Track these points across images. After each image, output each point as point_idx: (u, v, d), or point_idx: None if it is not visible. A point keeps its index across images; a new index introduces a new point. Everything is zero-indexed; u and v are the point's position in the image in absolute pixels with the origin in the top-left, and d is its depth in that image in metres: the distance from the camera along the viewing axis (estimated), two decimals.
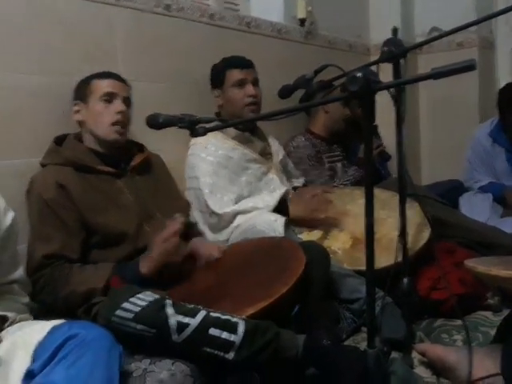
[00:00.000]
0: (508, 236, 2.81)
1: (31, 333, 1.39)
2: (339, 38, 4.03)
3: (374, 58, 2.03)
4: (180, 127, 1.62)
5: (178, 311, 1.59)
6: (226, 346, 1.59)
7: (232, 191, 2.60)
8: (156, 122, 1.69)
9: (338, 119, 3.35)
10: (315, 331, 1.77)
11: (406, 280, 1.99)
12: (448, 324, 2.33)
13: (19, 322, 1.55)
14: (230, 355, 1.59)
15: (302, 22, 3.61)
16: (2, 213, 1.59)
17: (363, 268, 1.43)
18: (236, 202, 2.57)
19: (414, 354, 2.03)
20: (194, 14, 2.88)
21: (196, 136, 1.63)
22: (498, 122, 3.52)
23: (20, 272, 1.71)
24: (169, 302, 1.61)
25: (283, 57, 3.45)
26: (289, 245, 2.09)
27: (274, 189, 2.75)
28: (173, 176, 2.48)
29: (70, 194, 1.97)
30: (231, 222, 2.49)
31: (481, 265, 1.80)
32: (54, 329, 1.38)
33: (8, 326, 1.52)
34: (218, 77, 2.78)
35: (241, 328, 1.60)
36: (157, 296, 1.63)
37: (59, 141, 2.14)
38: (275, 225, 2.32)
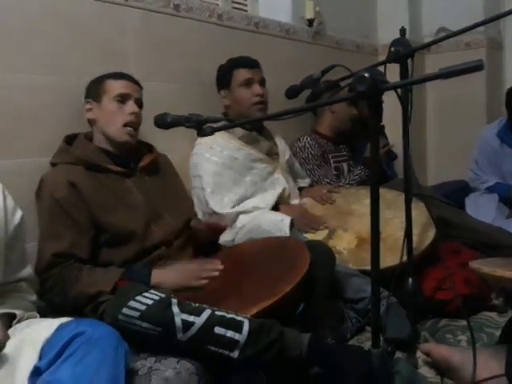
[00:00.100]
0: None
1: (39, 330, 1.40)
2: (347, 39, 4.03)
3: (382, 58, 2.04)
4: (187, 127, 1.63)
5: (184, 310, 1.60)
6: (231, 344, 1.60)
7: (235, 192, 2.61)
8: (164, 122, 1.70)
9: (345, 119, 3.35)
10: (320, 330, 1.79)
11: (410, 280, 1.99)
12: (452, 324, 2.33)
13: (27, 319, 1.57)
14: (235, 354, 1.60)
15: (310, 22, 3.62)
16: (10, 212, 1.61)
17: (368, 268, 1.43)
18: (238, 203, 2.58)
19: (419, 354, 2.03)
20: (203, 14, 2.89)
21: (203, 136, 1.64)
22: (506, 122, 3.51)
23: (28, 270, 1.72)
24: (174, 300, 1.62)
25: (291, 57, 3.46)
26: (294, 244, 2.09)
27: (280, 189, 2.77)
28: (180, 176, 2.48)
29: (81, 192, 1.97)
30: (234, 221, 2.51)
31: (486, 266, 1.80)
32: (62, 326, 1.39)
33: (16, 324, 1.53)
34: (224, 77, 2.79)
35: (245, 327, 1.61)
36: (162, 295, 1.64)
37: (70, 140, 2.15)
38: (281, 224, 2.33)
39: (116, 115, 2.13)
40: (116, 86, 2.14)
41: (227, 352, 1.60)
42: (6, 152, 2.07)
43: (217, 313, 1.63)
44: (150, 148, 2.33)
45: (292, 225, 2.35)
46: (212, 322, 1.60)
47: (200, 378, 1.54)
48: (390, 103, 1.87)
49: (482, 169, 3.64)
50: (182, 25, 2.77)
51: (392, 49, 1.93)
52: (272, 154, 2.86)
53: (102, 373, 1.30)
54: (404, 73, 1.95)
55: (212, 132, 1.62)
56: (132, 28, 2.53)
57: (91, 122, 2.19)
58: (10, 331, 1.45)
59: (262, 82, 2.79)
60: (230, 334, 1.60)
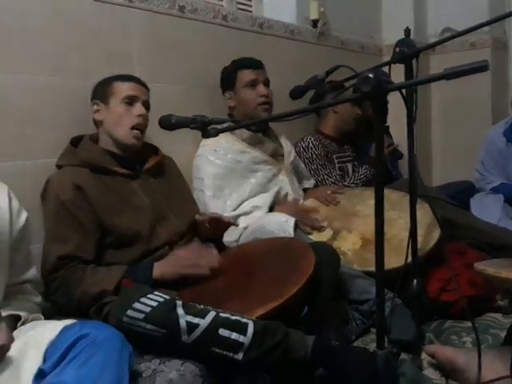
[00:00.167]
0: None
1: (43, 332, 1.41)
2: (352, 39, 4.03)
3: (387, 58, 2.03)
4: (192, 128, 1.63)
5: (188, 312, 1.60)
6: (236, 346, 1.59)
7: (236, 196, 2.62)
8: (168, 124, 1.70)
9: (348, 119, 3.34)
10: (324, 332, 1.78)
11: (415, 281, 1.99)
12: (457, 326, 2.32)
13: (31, 321, 1.57)
14: (240, 356, 1.59)
15: (315, 23, 3.62)
16: (15, 214, 1.62)
17: (373, 269, 1.43)
18: (238, 206, 2.59)
19: (424, 356, 2.03)
20: (208, 15, 2.89)
21: (208, 137, 1.64)
22: None
23: (33, 272, 1.73)
24: (179, 302, 1.62)
25: (296, 57, 3.46)
26: (298, 245, 2.09)
27: (283, 190, 2.77)
28: (185, 177, 2.49)
29: (87, 195, 1.97)
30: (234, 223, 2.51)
31: (491, 267, 1.80)
32: (66, 328, 1.39)
33: (21, 326, 1.54)
34: (229, 78, 2.79)
35: (250, 329, 1.61)
36: (167, 296, 1.65)
37: (75, 142, 2.15)
38: (285, 225, 2.32)
39: (124, 117, 2.13)
40: (124, 88, 2.15)
41: (232, 354, 1.59)
42: (10, 154, 2.07)
43: (221, 315, 1.62)
44: (155, 150, 2.33)
45: (296, 226, 2.35)
46: (217, 323, 1.60)
47: (204, 380, 1.55)
48: (395, 104, 1.86)
49: (487, 169, 3.62)
50: (186, 26, 2.78)
51: (397, 49, 1.93)
52: (277, 156, 2.85)
53: (106, 375, 1.30)
54: (409, 73, 1.94)
55: (216, 133, 1.63)
56: (136, 29, 2.53)
57: (97, 124, 2.20)
58: (15, 333, 1.46)
59: (267, 83, 2.79)
60: (234, 335, 1.59)
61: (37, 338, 1.39)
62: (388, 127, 3.38)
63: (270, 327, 1.65)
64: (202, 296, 1.84)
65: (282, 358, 1.65)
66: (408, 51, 1.91)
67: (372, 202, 1.38)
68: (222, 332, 1.59)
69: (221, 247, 2.33)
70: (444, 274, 2.38)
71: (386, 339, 1.51)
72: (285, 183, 2.80)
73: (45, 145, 2.17)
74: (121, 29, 2.46)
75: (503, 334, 2.10)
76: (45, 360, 1.34)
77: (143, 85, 2.22)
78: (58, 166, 2.10)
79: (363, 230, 2.61)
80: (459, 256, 2.55)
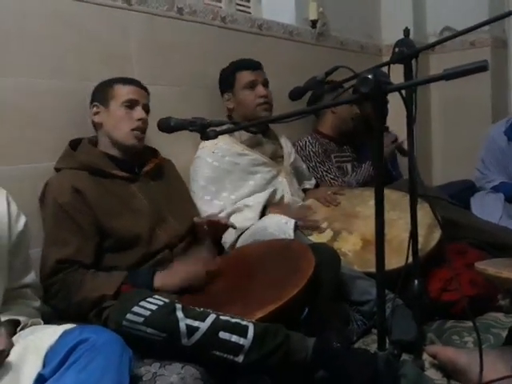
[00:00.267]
0: None
1: (43, 337, 1.41)
2: (351, 39, 4.03)
3: (386, 58, 2.03)
4: (191, 131, 1.62)
5: (188, 315, 1.60)
6: (236, 349, 1.59)
7: (234, 198, 2.62)
8: (167, 126, 1.69)
9: (346, 118, 3.33)
10: (325, 333, 1.77)
11: (416, 281, 1.98)
12: (459, 326, 2.32)
13: (31, 326, 1.57)
14: (240, 358, 1.59)
15: (314, 23, 3.62)
16: (14, 218, 1.62)
17: (374, 270, 1.43)
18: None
19: (425, 356, 2.02)
20: (207, 17, 2.89)
21: (207, 139, 1.63)
22: None
23: (32, 276, 1.73)
24: (178, 305, 1.62)
25: (295, 58, 3.46)
26: (298, 247, 2.09)
27: (282, 192, 2.76)
28: (184, 180, 2.49)
29: (86, 198, 1.97)
30: None
31: (491, 267, 1.79)
32: (65, 333, 1.39)
33: (20, 330, 1.54)
34: (227, 80, 2.79)
35: (250, 331, 1.61)
36: (166, 300, 1.64)
37: (74, 145, 2.15)
38: (285, 227, 2.32)
39: (124, 121, 2.13)
40: (124, 92, 2.14)
41: (232, 357, 1.59)
42: (8, 158, 2.06)
43: (221, 317, 1.62)
44: (154, 153, 2.33)
45: (296, 227, 2.34)
46: (217, 326, 1.60)
47: (205, 383, 1.54)
48: (395, 104, 1.86)
49: (488, 168, 3.61)
50: (185, 28, 2.77)
51: (396, 49, 1.93)
52: (276, 157, 2.85)
53: (107, 379, 1.30)
54: (408, 73, 1.94)
55: (215, 135, 1.62)
56: (135, 32, 2.53)
57: (97, 126, 2.19)
58: (14, 338, 1.45)
59: (266, 84, 2.79)
60: (234, 338, 1.59)
61: (36, 342, 1.39)
62: (387, 128, 3.37)
63: (271, 329, 1.65)
64: (202, 299, 1.84)
65: (282, 361, 1.65)
66: (407, 51, 1.90)
67: (372, 202, 1.38)
68: (222, 335, 1.59)
69: (220, 249, 2.33)
70: (445, 273, 2.37)
71: (387, 340, 1.50)
72: (284, 185, 2.80)
73: (44, 148, 2.16)
74: (119, 31, 2.46)
75: (505, 334, 2.10)
76: (44, 365, 1.34)
77: (143, 88, 2.22)
78: (57, 169, 2.09)
79: (364, 231, 2.61)
80: (460, 256, 2.54)
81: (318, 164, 3.19)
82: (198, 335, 1.57)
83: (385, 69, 1.89)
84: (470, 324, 2.09)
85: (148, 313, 1.58)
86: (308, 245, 2.14)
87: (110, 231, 1.99)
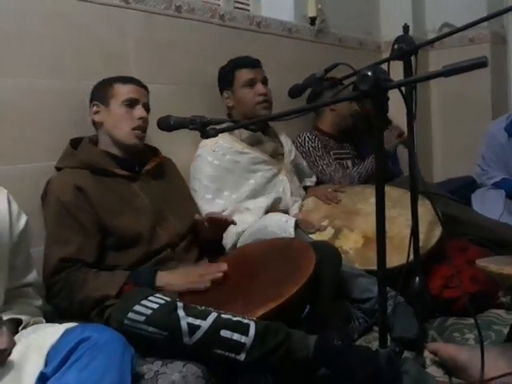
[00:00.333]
0: None
1: (44, 336, 1.41)
2: (350, 36, 4.03)
3: (385, 55, 2.03)
4: (191, 129, 1.63)
5: (189, 313, 1.60)
6: (237, 347, 1.59)
7: (235, 197, 2.61)
8: (167, 124, 1.69)
9: (345, 115, 3.32)
10: (326, 331, 1.77)
11: (417, 279, 1.98)
12: (460, 323, 2.32)
13: (33, 324, 1.57)
14: (242, 356, 1.59)
15: (313, 20, 3.61)
16: (15, 217, 1.62)
17: (375, 267, 1.43)
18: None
19: (426, 354, 2.03)
20: (205, 14, 2.89)
21: (207, 137, 1.64)
22: None
23: (33, 275, 1.73)
24: (180, 304, 1.62)
25: (294, 56, 3.46)
26: (299, 245, 2.08)
27: (283, 190, 2.76)
28: (184, 178, 2.49)
29: (88, 196, 1.97)
30: None
31: (493, 264, 1.79)
32: (67, 332, 1.39)
33: (22, 329, 1.54)
34: (226, 78, 2.78)
35: (252, 329, 1.61)
36: (168, 298, 1.64)
37: (75, 144, 2.15)
38: (286, 226, 2.32)
39: (124, 120, 2.13)
40: (124, 91, 2.14)
41: (233, 355, 1.59)
42: (9, 157, 2.06)
43: (223, 316, 1.62)
44: (155, 151, 2.33)
45: (297, 226, 2.34)
46: (218, 325, 1.60)
47: (206, 382, 1.54)
48: (395, 101, 1.85)
49: (489, 164, 3.61)
50: (183, 26, 2.77)
51: (395, 46, 1.92)
52: (277, 155, 2.84)
53: (108, 378, 1.30)
54: (408, 70, 1.94)
55: (215, 134, 1.62)
56: (133, 30, 2.52)
57: (97, 125, 2.19)
58: (16, 337, 1.46)
59: (265, 81, 2.78)
60: (236, 336, 1.59)
61: (38, 341, 1.39)
62: (391, 122, 3.37)
63: (272, 327, 1.65)
64: (203, 297, 1.83)
65: (284, 358, 1.65)
66: (406, 48, 1.90)
67: (373, 199, 1.38)
68: (224, 333, 1.59)
69: (221, 249, 2.33)
70: (446, 271, 2.37)
71: (389, 337, 1.50)
72: (285, 183, 2.79)
73: (44, 147, 2.16)
74: (117, 30, 2.46)
75: (506, 331, 2.10)
76: (46, 364, 1.34)
77: (143, 87, 2.22)
78: (58, 169, 2.09)
79: (365, 229, 2.60)
80: (461, 253, 2.54)
81: (317, 158, 3.18)
82: (199, 334, 1.57)
83: (384, 66, 1.88)
84: (472, 321, 2.10)
85: (149, 311, 1.58)
86: (309, 243, 2.13)
87: (112, 230, 1.99)
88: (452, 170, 4.08)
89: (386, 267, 1.41)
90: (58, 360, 1.32)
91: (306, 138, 3.22)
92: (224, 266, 1.97)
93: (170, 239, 2.10)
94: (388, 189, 1.57)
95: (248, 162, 2.68)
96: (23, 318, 1.56)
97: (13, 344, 1.38)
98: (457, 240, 2.67)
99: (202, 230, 2.22)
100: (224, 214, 2.50)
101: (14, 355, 1.36)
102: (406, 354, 1.99)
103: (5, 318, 1.49)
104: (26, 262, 1.69)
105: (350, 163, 3.33)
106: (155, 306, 1.59)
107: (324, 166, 3.17)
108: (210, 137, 1.63)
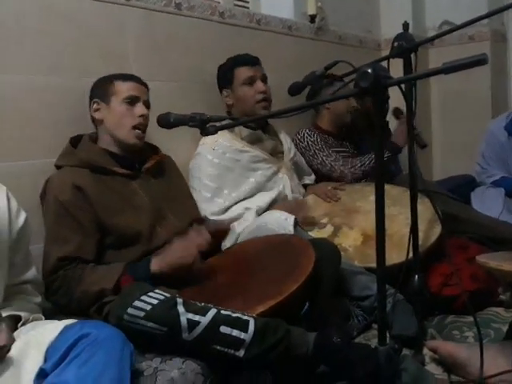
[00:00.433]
0: None
1: (44, 332, 1.41)
2: (350, 34, 4.03)
3: (385, 53, 2.04)
4: (191, 126, 1.62)
5: (189, 309, 1.59)
6: (237, 343, 1.59)
7: (235, 196, 2.61)
8: (167, 122, 1.69)
9: (342, 112, 3.29)
10: (326, 328, 1.77)
11: (417, 277, 1.98)
12: (459, 320, 2.33)
13: (32, 321, 1.57)
14: (241, 353, 1.59)
15: (312, 18, 3.61)
16: (14, 214, 1.62)
17: (374, 265, 1.43)
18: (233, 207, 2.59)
19: (426, 351, 2.03)
20: (205, 12, 2.88)
21: (207, 135, 1.64)
22: None
23: (33, 272, 1.73)
24: (179, 300, 1.62)
25: (294, 53, 3.46)
26: (298, 242, 2.09)
27: (283, 188, 2.76)
28: (184, 176, 2.49)
29: (87, 195, 1.97)
30: None
31: (492, 260, 1.79)
32: (66, 328, 1.39)
33: (21, 326, 1.54)
34: (226, 76, 2.78)
35: (251, 326, 1.61)
36: (167, 294, 1.64)
37: (74, 142, 2.14)
38: (285, 223, 2.31)
39: (125, 117, 2.12)
40: (125, 88, 2.14)
41: (233, 351, 1.59)
42: (8, 154, 2.06)
43: (222, 312, 1.62)
44: (154, 149, 2.33)
45: (296, 223, 2.34)
46: (217, 321, 1.60)
47: (206, 378, 1.54)
48: (394, 98, 1.87)
49: (488, 162, 3.61)
50: (183, 23, 2.76)
51: (395, 43, 1.92)
52: (277, 153, 2.84)
53: (108, 374, 1.30)
54: (407, 67, 1.94)
55: (215, 131, 1.62)
56: (133, 27, 2.52)
57: (97, 123, 2.19)
58: (16, 333, 1.46)
59: (264, 79, 2.77)
60: (235, 333, 1.59)
61: (37, 338, 1.39)
62: (387, 123, 3.36)
63: (271, 324, 1.65)
64: (203, 294, 1.84)
65: (283, 355, 1.65)
66: (406, 45, 1.90)
67: (373, 197, 1.38)
68: (223, 329, 1.59)
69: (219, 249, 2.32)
70: (445, 268, 2.37)
71: (388, 335, 1.50)
72: (285, 181, 2.79)
73: (43, 145, 2.16)
74: (117, 27, 2.45)
75: (505, 328, 2.10)
76: (46, 360, 1.34)
77: (144, 84, 2.22)
78: (57, 167, 2.09)
79: (364, 226, 2.61)
80: (461, 251, 2.54)
81: (316, 151, 3.16)
82: (198, 330, 1.57)
83: (384, 63, 1.89)
84: (471, 319, 2.10)
85: (149, 307, 1.57)
86: (308, 240, 2.14)
87: (111, 228, 1.99)
88: (452, 168, 4.08)
89: (385, 265, 1.41)
90: (58, 356, 1.32)
91: (305, 134, 3.21)
92: (206, 235, 1.96)
93: (170, 237, 2.09)
94: (388, 187, 1.57)
95: (248, 161, 2.67)
96: (22, 314, 1.56)
97: (12, 340, 1.38)
98: (457, 238, 2.67)
99: None
100: (224, 217, 2.50)
101: (14, 352, 1.36)
102: (405, 351, 1.98)
103: (4, 314, 1.50)
104: (26, 259, 1.69)
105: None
106: (155, 301, 1.59)
107: (324, 158, 3.15)
108: (209, 134, 1.63)
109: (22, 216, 1.65)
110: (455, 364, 1.88)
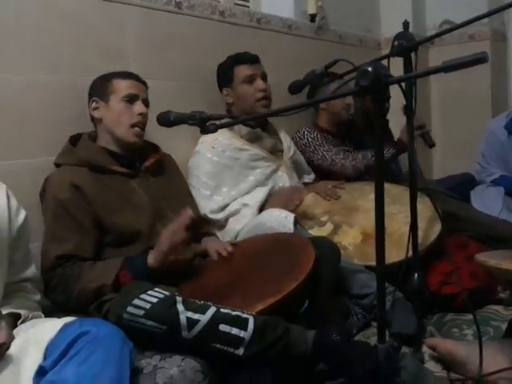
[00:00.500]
0: None
1: (43, 330, 1.41)
2: (350, 33, 4.03)
3: (385, 52, 2.04)
4: (190, 124, 1.62)
5: (188, 308, 1.60)
6: (236, 341, 1.60)
7: (234, 194, 2.61)
8: (167, 120, 1.69)
9: (338, 111, 3.27)
10: (325, 326, 1.77)
11: (416, 275, 1.98)
12: (459, 318, 2.33)
13: (32, 319, 1.57)
14: (240, 351, 1.60)
15: (313, 17, 3.60)
16: (14, 213, 1.62)
17: (374, 263, 1.43)
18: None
19: (425, 349, 2.03)
20: (205, 11, 2.89)
21: (207, 133, 1.63)
22: None
23: (32, 270, 1.73)
24: (179, 298, 1.62)
25: (294, 52, 3.46)
26: (298, 240, 2.09)
27: (283, 186, 2.76)
28: (184, 175, 2.50)
29: (85, 194, 1.97)
30: (223, 226, 2.53)
31: (492, 259, 1.80)
32: (66, 326, 1.39)
33: (21, 324, 1.54)
34: (225, 75, 2.78)
35: (251, 324, 1.61)
36: (167, 293, 1.65)
37: (74, 140, 2.14)
38: (285, 221, 2.31)
39: (124, 115, 2.12)
40: (123, 87, 2.14)
41: (232, 349, 1.60)
42: (7, 153, 2.06)
43: (222, 310, 1.63)
44: (154, 148, 2.33)
45: (296, 221, 2.34)
46: (217, 319, 1.60)
47: (205, 376, 1.55)
48: (394, 97, 1.86)
49: (488, 161, 3.62)
50: (183, 22, 2.77)
51: (395, 42, 1.93)
52: (276, 152, 2.84)
53: (107, 372, 1.31)
54: (408, 66, 1.94)
55: (215, 129, 1.62)
56: (133, 26, 2.52)
57: (96, 121, 2.19)
58: (15, 331, 1.46)
59: (264, 77, 2.78)
60: (235, 331, 1.60)
61: (37, 335, 1.40)
62: (388, 121, 3.36)
63: (271, 322, 1.65)
64: (202, 292, 1.84)
65: (282, 353, 1.65)
66: (407, 44, 1.90)
67: (372, 196, 1.38)
68: (223, 327, 1.59)
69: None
70: (445, 267, 2.38)
71: (387, 333, 1.50)
72: (284, 179, 2.79)
73: (43, 143, 2.16)
74: (117, 26, 2.46)
75: (504, 326, 2.10)
76: (45, 357, 1.34)
77: (142, 82, 2.21)
78: (57, 165, 2.09)
79: (364, 225, 2.60)
80: (461, 249, 2.55)
81: (316, 147, 3.15)
82: (198, 328, 1.57)
83: (384, 62, 1.89)
84: (470, 317, 2.10)
85: (148, 305, 1.58)
86: (308, 238, 2.14)
87: (110, 227, 1.99)
88: (451, 166, 4.08)
89: (384, 263, 1.41)
90: (57, 354, 1.32)
91: (305, 132, 3.20)
92: (189, 213, 1.96)
93: None
94: (388, 185, 1.57)
95: (247, 159, 2.67)
96: (22, 312, 1.56)
97: (12, 338, 1.38)
98: (457, 236, 2.67)
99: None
100: (222, 215, 2.51)
101: (13, 349, 1.36)
102: (405, 349, 1.98)
103: (4, 312, 1.50)
104: (25, 257, 1.69)
105: None
106: (154, 300, 1.60)
107: (324, 153, 3.14)
108: (209, 132, 1.63)
109: (22, 214, 1.65)
110: (454, 362, 1.89)
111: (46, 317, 1.64)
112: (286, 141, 2.97)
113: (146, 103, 2.19)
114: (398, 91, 1.53)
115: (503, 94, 4.41)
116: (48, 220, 1.98)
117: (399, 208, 2.60)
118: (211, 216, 2.50)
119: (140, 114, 2.13)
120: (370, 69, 1.27)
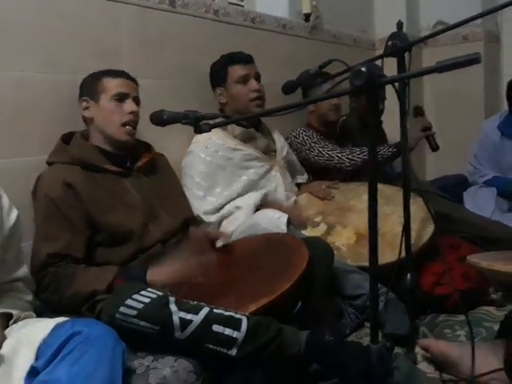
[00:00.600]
0: None
1: (35, 330, 1.40)
2: (344, 33, 4.03)
3: (380, 52, 2.04)
4: (184, 124, 1.62)
5: (181, 308, 1.59)
6: (229, 342, 1.59)
7: (227, 194, 2.60)
8: (160, 119, 1.68)
9: (325, 112, 3.25)
10: (318, 327, 1.77)
11: (409, 275, 1.99)
12: (451, 319, 2.34)
13: (23, 319, 1.56)
14: (233, 351, 1.59)
15: (307, 17, 3.61)
16: (5, 212, 1.61)
17: (367, 264, 1.43)
18: (224, 206, 2.58)
19: (418, 350, 2.04)
20: (199, 9, 2.88)
21: (200, 132, 1.63)
22: (508, 115, 3.50)
23: (24, 270, 1.72)
24: (172, 298, 1.62)
25: (288, 52, 3.45)
26: (292, 241, 2.08)
27: (276, 186, 2.76)
28: (177, 174, 2.49)
29: (77, 192, 1.96)
30: (217, 228, 2.51)
31: (483, 260, 1.80)
32: (58, 326, 1.38)
33: (12, 324, 1.53)
34: (219, 74, 2.77)
35: (244, 324, 1.61)
36: (160, 293, 1.64)
37: (66, 139, 2.13)
38: (278, 222, 2.31)
39: (115, 114, 2.11)
40: (113, 85, 2.12)
41: (225, 350, 1.59)
42: (0, 151, 2.05)
43: (215, 311, 1.62)
44: (147, 147, 2.32)
45: (289, 222, 2.33)
46: (210, 319, 1.60)
47: (198, 377, 1.54)
48: (388, 97, 1.87)
49: (480, 162, 3.63)
50: (177, 21, 2.75)
51: (389, 43, 1.93)
52: (269, 152, 2.83)
53: (99, 372, 1.30)
54: (401, 66, 1.94)
55: (209, 129, 1.62)
56: (127, 24, 2.51)
57: (87, 121, 2.17)
58: (7, 331, 1.45)
59: (258, 77, 2.77)
60: (228, 331, 1.59)
61: (29, 335, 1.39)
62: (381, 122, 3.36)
63: (264, 323, 1.65)
64: (195, 292, 1.84)
65: (275, 354, 1.65)
66: (400, 45, 1.91)
67: (366, 196, 1.38)
68: (216, 328, 1.59)
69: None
70: (438, 267, 2.38)
71: (380, 333, 1.51)
72: (278, 179, 2.78)
73: (37, 141, 2.15)
74: (111, 24, 2.44)
75: (496, 327, 2.11)
76: (37, 358, 1.33)
77: (133, 80, 2.20)
78: (49, 163, 2.08)
79: (357, 225, 2.61)
80: (453, 250, 2.55)
81: (312, 144, 3.13)
82: (191, 328, 1.57)
83: (378, 62, 1.89)
84: (462, 318, 2.11)
85: (141, 306, 1.57)
86: (301, 239, 2.13)
87: (102, 226, 1.98)
88: (444, 167, 4.09)
89: (378, 264, 1.41)
90: (49, 354, 1.31)
91: (300, 131, 3.18)
92: (213, 257, 1.96)
93: (162, 236, 2.09)
94: (381, 186, 1.58)
95: (241, 159, 2.67)
96: (14, 312, 1.55)
97: (3, 338, 1.38)
98: (449, 237, 2.68)
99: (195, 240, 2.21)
100: (214, 218, 2.51)
101: (5, 349, 1.36)
102: (397, 350, 1.98)
103: None
104: (17, 256, 1.68)
105: None
106: (147, 300, 1.59)
107: (320, 149, 3.11)
108: (203, 132, 1.62)
109: (14, 213, 1.64)
110: (447, 362, 1.89)
111: (37, 317, 1.63)
112: (280, 141, 2.96)
113: (137, 101, 2.18)
114: (392, 92, 1.53)
115: (496, 96, 4.41)
116: (39, 218, 1.96)
117: (393, 209, 2.60)
118: (204, 217, 2.49)
119: (131, 112, 2.12)
120: (363, 69, 1.27)
